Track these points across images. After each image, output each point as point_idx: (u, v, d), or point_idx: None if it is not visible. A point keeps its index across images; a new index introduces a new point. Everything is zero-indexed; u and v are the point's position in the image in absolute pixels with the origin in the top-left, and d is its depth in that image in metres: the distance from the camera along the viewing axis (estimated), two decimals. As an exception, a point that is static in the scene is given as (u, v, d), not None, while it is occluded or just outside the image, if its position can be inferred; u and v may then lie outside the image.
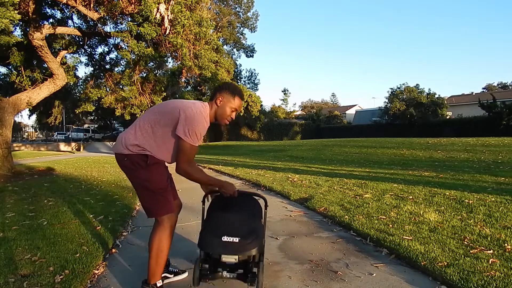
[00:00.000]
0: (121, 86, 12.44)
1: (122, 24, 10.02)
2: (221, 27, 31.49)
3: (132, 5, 8.31)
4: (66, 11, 9.97)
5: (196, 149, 1.89)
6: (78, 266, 2.34)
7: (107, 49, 12.27)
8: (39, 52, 8.38)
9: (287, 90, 51.00)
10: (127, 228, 3.55)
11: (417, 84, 30.25)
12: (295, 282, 2.19)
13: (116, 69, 12.91)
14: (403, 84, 30.85)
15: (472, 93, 37.81)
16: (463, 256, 2.37)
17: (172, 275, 2.24)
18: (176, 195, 2.19)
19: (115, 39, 10.36)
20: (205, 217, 2.04)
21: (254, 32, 35.59)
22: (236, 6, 33.88)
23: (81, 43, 11.03)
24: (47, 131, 41.82)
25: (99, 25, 9.28)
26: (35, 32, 8.01)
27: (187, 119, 1.83)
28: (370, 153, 12.74)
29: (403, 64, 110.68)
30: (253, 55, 36.01)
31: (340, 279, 2.22)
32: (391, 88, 31.40)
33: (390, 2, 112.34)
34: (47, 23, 9.52)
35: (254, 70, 56.49)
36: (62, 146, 27.50)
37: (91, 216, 3.84)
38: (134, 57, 9.97)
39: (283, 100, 49.03)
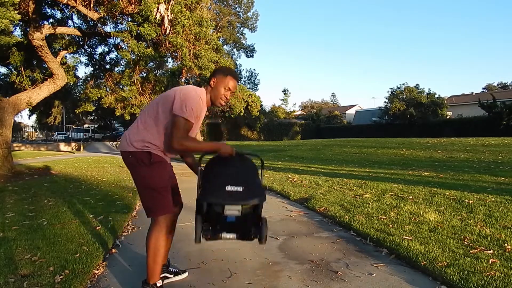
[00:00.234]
0: (121, 86, 12.44)
1: (122, 24, 10.01)
2: (221, 27, 31.48)
3: (132, 5, 8.31)
4: (66, 11, 9.97)
5: (191, 125, 1.87)
6: (78, 266, 2.34)
7: (107, 49, 12.27)
8: (39, 52, 8.38)
9: (287, 90, 50.95)
10: (127, 228, 3.55)
11: (417, 84, 30.26)
12: (295, 282, 2.19)
13: (116, 69, 12.91)
14: (403, 84, 30.86)
15: (472, 93, 37.80)
16: (463, 256, 2.37)
17: (172, 275, 2.24)
18: (178, 195, 2.20)
19: (115, 39, 10.35)
20: (202, 176, 1.99)
21: (254, 32, 35.64)
22: (236, 6, 33.89)
23: (81, 43, 11.02)
24: (47, 131, 41.85)
25: (99, 25, 9.27)
26: (35, 32, 8.00)
27: (182, 96, 1.87)
28: (370, 153, 12.74)
29: (403, 64, 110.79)
30: (253, 55, 36.03)
31: (340, 279, 2.22)
32: (391, 88, 31.42)
33: (390, 2, 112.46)
34: (47, 23, 9.51)
35: (254, 70, 56.45)
36: (62, 146, 27.49)
37: (91, 216, 3.84)
38: (134, 57, 9.97)
39: (283, 100, 48.97)
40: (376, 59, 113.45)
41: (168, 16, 8.19)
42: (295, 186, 5.65)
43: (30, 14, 8.12)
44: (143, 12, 7.81)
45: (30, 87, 9.38)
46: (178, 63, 11.04)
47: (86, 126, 46.51)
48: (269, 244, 2.95)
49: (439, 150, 12.03)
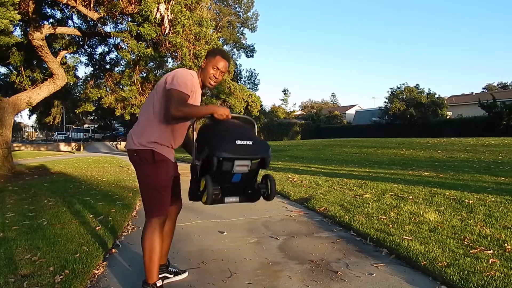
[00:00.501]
0: (121, 86, 12.44)
1: (122, 24, 10.02)
2: (221, 27, 31.49)
3: (132, 5, 8.31)
4: (66, 11, 9.97)
5: (185, 96, 1.86)
6: (78, 266, 2.34)
7: (107, 49, 12.28)
8: (39, 52, 8.38)
9: (287, 90, 51.01)
10: (127, 228, 3.55)
11: (417, 84, 30.25)
12: (295, 282, 2.19)
13: (116, 69, 12.91)
14: (403, 84, 30.85)
15: (472, 93, 37.77)
16: (463, 256, 2.37)
17: (172, 275, 2.24)
18: (179, 195, 2.20)
19: (115, 39, 10.35)
20: (199, 138, 1.96)
21: (254, 32, 35.65)
22: (236, 6, 33.91)
23: (81, 43, 11.03)
24: (47, 131, 41.82)
25: (99, 25, 9.28)
26: (35, 32, 8.01)
27: (171, 75, 1.91)
28: (370, 153, 12.74)
29: (403, 64, 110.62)
30: (253, 55, 36.05)
31: (340, 279, 2.22)
32: (391, 88, 31.41)
33: (390, 2, 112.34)
34: (47, 23, 9.52)
35: (254, 70, 56.40)
36: (62, 146, 27.52)
37: (91, 216, 3.84)
38: (134, 57, 9.97)
39: (283, 100, 49.01)
40: (376, 59, 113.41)
41: (168, 16, 8.19)
42: (295, 186, 5.65)
43: (30, 14, 8.12)
44: (143, 12, 7.81)
45: (30, 87, 9.38)
46: (178, 63, 11.02)
47: (86, 126, 46.51)
48: (269, 244, 2.95)
49: (439, 150, 12.03)
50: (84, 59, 12.40)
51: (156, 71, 13.51)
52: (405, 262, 2.45)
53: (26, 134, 42.33)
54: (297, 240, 3.04)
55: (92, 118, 44.49)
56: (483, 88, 50.62)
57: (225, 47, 31.51)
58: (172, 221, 2.20)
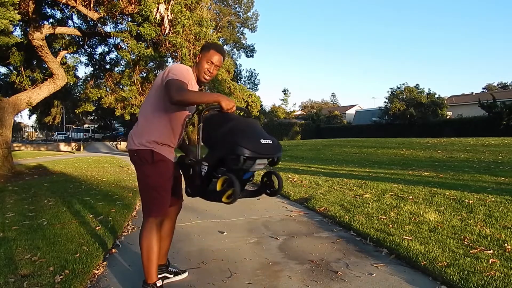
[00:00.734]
0: (121, 86, 12.45)
1: (122, 24, 10.02)
2: (221, 27, 31.48)
3: (132, 5, 8.31)
4: (66, 11, 9.97)
5: (184, 85, 1.81)
6: (78, 266, 2.34)
7: (107, 49, 12.29)
8: (39, 52, 8.38)
9: (287, 90, 51.02)
10: (127, 228, 3.55)
11: (417, 84, 30.23)
12: (295, 282, 2.19)
13: (116, 69, 12.92)
14: (403, 84, 30.81)
15: (472, 93, 37.75)
16: (463, 256, 2.37)
17: (172, 275, 2.24)
18: (179, 195, 2.19)
19: (115, 39, 10.36)
20: (205, 133, 1.88)
21: (254, 32, 35.62)
22: (236, 6, 33.89)
23: (81, 43, 11.03)
24: (47, 131, 41.81)
25: (99, 25, 9.28)
26: (35, 32, 8.01)
27: (168, 70, 1.88)
28: (370, 153, 12.74)
29: (403, 64, 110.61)
30: (253, 55, 36.06)
31: (340, 279, 2.22)
32: (391, 88, 31.38)
33: (390, 2, 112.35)
34: (47, 23, 9.52)
35: (254, 70, 56.47)
36: (62, 146, 27.51)
37: (91, 216, 3.84)
38: (134, 57, 9.98)
39: (283, 100, 48.99)
40: (376, 59, 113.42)
41: (168, 16, 8.19)
42: (295, 186, 5.65)
43: (30, 14, 8.12)
44: (143, 12, 7.81)
45: (30, 87, 9.39)
46: (178, 63, 11.03)
47: (86, 126, 46.49)
48: (269, 244, 2.95)
49: (439, 150, 12.03)
50: (84, 59, 12.44)
51: (156, 71, 13.50)
52: (405, 262, 2.45)
53: (26, 134, 42.34)
54: (297, 240, 3.04)
55: (92, 118, 44.47)
56: (483, 88, 50.63)
57: (225, 47, 31.49)
58: (172, 221, 2.20)
